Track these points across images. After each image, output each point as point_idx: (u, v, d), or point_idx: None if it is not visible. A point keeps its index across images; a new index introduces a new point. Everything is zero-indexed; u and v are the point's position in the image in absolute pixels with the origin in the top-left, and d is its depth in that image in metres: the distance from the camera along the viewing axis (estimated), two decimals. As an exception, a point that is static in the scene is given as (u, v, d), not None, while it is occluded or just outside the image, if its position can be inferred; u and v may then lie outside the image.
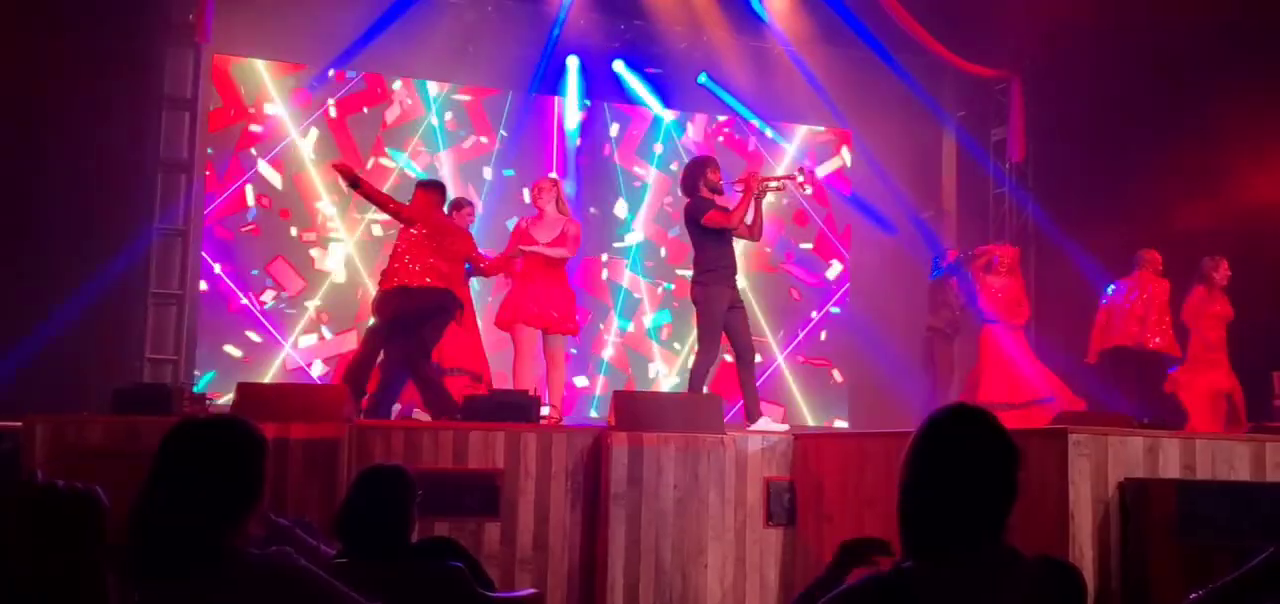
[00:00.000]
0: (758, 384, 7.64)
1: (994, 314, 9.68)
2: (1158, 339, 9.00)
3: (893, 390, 11.14)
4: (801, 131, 12.66)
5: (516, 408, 6.74)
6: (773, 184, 7.68)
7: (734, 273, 7.55)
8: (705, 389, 7.42)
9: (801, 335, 12.30)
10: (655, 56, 11.91)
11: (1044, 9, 10.62)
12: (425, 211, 7.80)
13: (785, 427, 7.61)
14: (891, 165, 12.23)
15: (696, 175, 7.64)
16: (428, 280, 7.56)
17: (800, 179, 7.65)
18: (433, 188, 8.07)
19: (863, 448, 6.12)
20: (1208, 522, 4.53)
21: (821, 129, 12.61)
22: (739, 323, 7.49)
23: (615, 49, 11.80)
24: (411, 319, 7.53)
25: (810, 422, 12.02)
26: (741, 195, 7.51)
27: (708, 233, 7.47)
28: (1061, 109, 11.22)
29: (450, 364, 8.32)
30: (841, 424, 11.94)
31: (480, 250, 8.67)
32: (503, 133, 11.55)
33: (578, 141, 11.73)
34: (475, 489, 6.19)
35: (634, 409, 6.47)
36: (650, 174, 12.10)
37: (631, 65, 11.90)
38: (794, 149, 12.60)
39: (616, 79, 11.86)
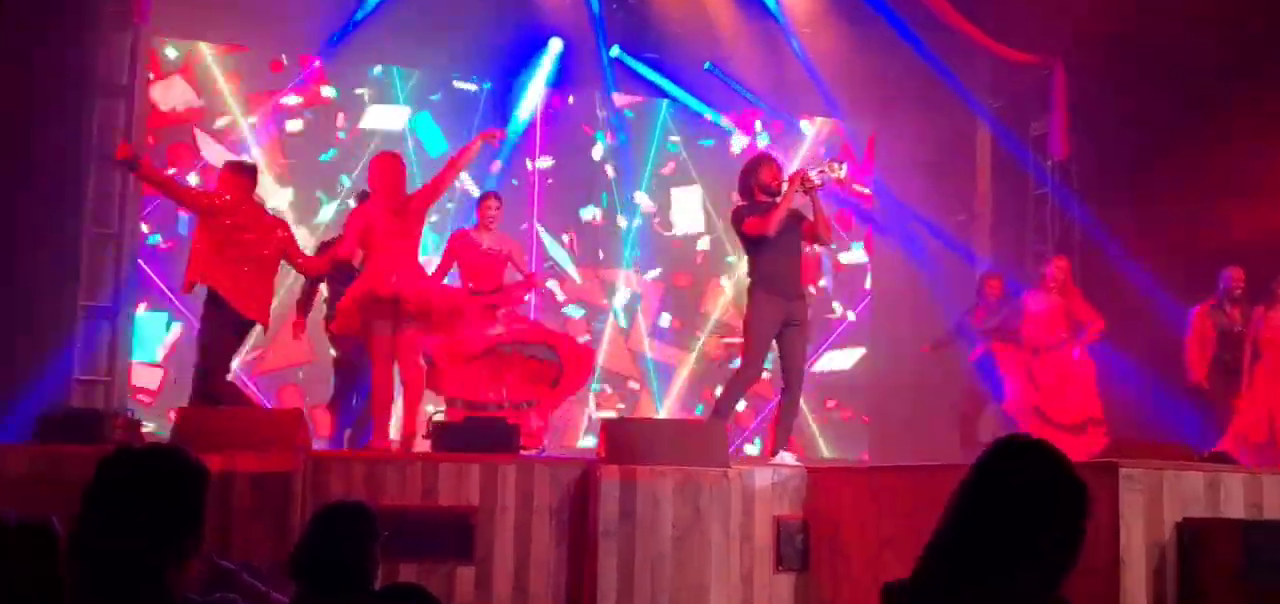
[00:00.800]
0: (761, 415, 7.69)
1: (1034, 343, 9.72)
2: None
3: (919, 421, 11.13)
4: (816, 125, 12.67)
5: (493, 436, 6.72)
6: (813, 179, 7.60)
7: (791, 284, 7.55)
8: (739, 408, 7.51)
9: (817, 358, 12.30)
10: (655, 42, 11.94)
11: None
12: (235, 200, 7.53)
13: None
14: (917, 163, 12.21)
15: (749, 176, 7.72)
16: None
17: (837, 169, 7.67)
18: (242, 171, 7.80)
19: (885, 483, 6.11)
20: (1277, 567, 4.52)
21: (822, 123, 12.64)
22: (791, 343, 7.50)
23: (610, 35, 11.83)
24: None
25: (826, 454, 12.02)
26: (779, 198, 7.56)
27: (752, 241, 7.55)
28: (1112, 99, 11.20)
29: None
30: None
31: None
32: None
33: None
34: (446, 529, 6.17)
35: (626, 438, 6.45)
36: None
37: (630, 52, 11.94)
38: (806, 146, 12.61)
39: (612, 66, 11.89)
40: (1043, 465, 2.54)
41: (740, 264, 11.67)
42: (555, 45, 11.65)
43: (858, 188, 12.62)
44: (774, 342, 7.50)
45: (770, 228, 7.41)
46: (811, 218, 7.57)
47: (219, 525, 5.61)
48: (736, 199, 7.81)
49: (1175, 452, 6.39)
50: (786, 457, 7.32)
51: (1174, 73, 10.27)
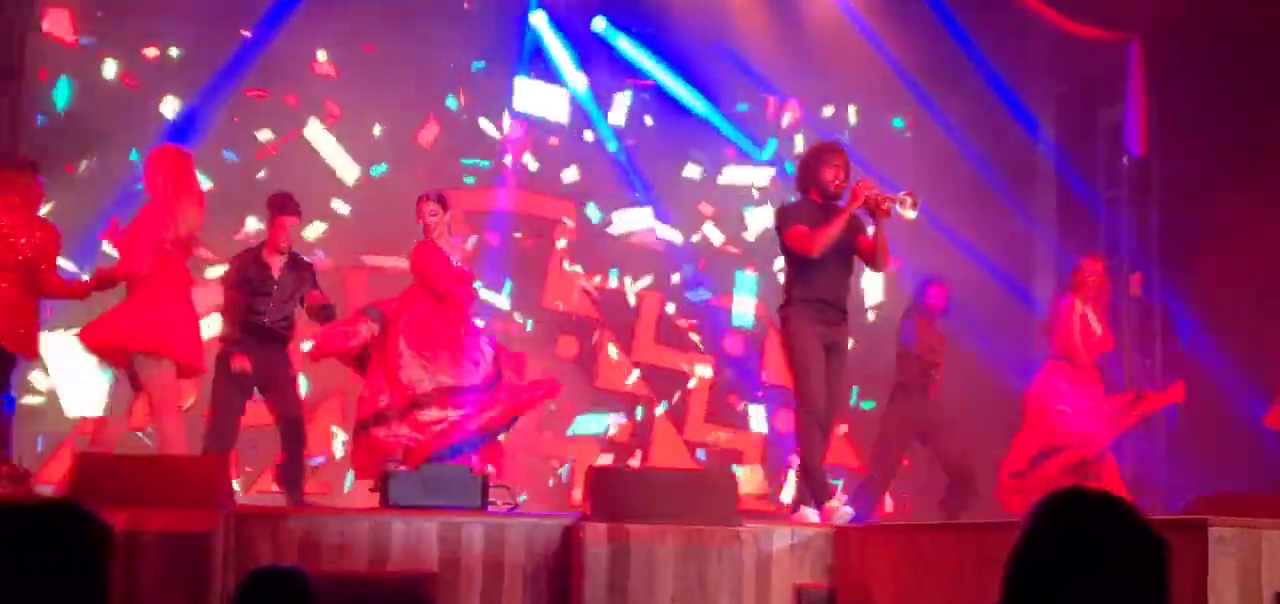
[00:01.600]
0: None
1: (1062, 353, 9.69)
2: None
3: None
4: (850, 114, 12.73)
5: (455, 486, 6.72)
6: (881, 205, 7.48)
7: (833, 306, 7.57)
8: (814, 451, 7.44)
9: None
10: (647, 15, 11.99)
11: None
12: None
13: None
14: (959, 160, 12.20)
15: (808, 173, 7.70)
16: None
17: (908, 202, 7.48)
18: (21, 168, 7.89)
19: (925, 544, 6.11)
20: (1398, 647, 4.53)
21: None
22: (830, 374, 7.53)
23: (594, 6, 11.89)
24: None
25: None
26: (840, 209, 7.53)
27: (794, 252, 7.56)
28: (1201, 82, 11.20)
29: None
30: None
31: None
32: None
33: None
34: (398, 600, 6.16)
35: (616, 491, 6.47)
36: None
37: (618, 25, 12.00)
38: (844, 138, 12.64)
39: (595, 44, 11.94)
40: (1117, 523, 2.54)
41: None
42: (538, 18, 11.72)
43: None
44: None
45: (814, 250, 7.41)
46: (870, 235, 7.56)
47: (125, 595, 5.60)
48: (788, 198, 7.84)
49: (1275, 506, 6.40)
50: (809, 513, 7.33)
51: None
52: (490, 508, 7.04)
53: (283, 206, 8.78)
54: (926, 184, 12.39)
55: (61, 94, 10.90)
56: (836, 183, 7.54)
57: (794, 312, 7.47)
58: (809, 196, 7.61)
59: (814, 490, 7.41)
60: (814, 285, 7.48)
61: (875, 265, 7.71)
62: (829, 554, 6.62)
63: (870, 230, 7.59)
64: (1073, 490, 2.63)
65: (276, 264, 8.69)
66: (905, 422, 10.02)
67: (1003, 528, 5.55)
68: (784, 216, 7.60)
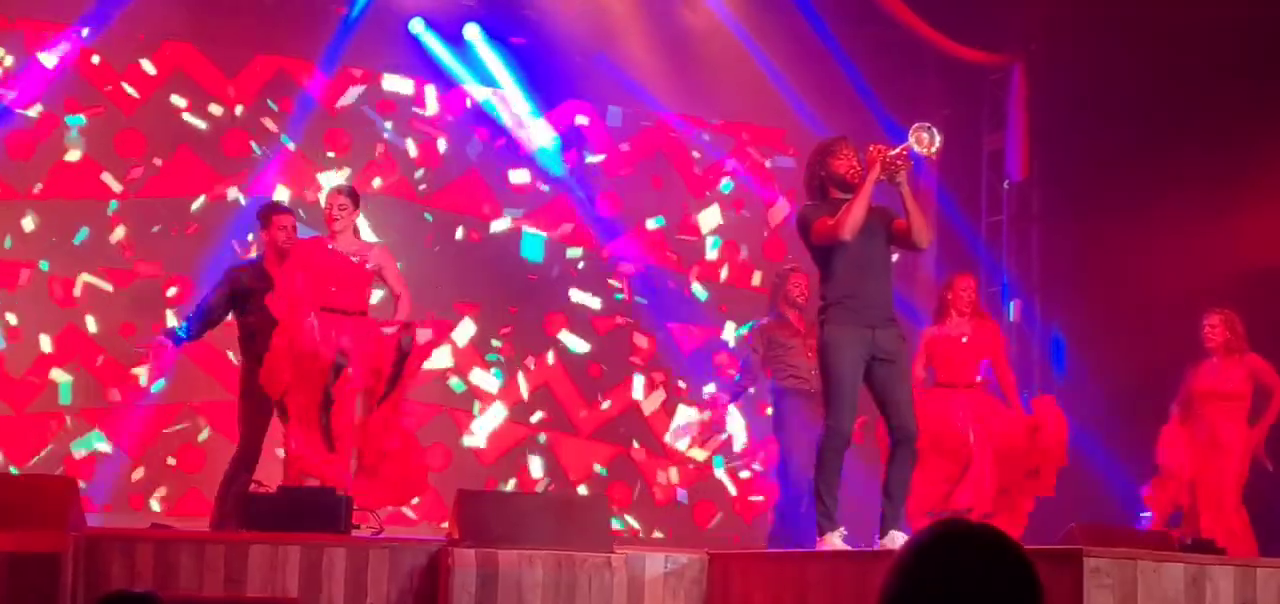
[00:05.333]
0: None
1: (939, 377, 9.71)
2: None
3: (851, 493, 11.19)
4: (732, 130, 12.79)
5: (318, 510, 6.65)
6: (897, 162, 6.80)
7: (876, 307, 6.89)
8: (830, 476, 6.78)
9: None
10: (523, 25, 11.97)
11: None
12: None
13: None
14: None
15: (818, 167, 7.08)
16: None
17: (923, 139, 6.78)
18: None
19: (803, 573, 6.14)
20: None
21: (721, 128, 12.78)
22: (886, 383, 6.86)
23: (466, 11, 11.84)
24: None
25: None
26: (856, 190, 6.80)
27: (824, 251, 6.91)
28: (1083, 105, 11.39)
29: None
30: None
31: None
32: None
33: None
34: (257, 626, 6.10)
35: (485, 514, 6.44)
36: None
37: (492, 35, 11.95)
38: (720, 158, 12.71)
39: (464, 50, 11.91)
40: (987, 555, 2.56)
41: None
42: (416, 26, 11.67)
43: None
44: (863, 384, 6.84)
45: (844, 229, 6.69)
46: (904, 214, 6.85)
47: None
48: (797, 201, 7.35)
49: (1150, 538, 6.53)
50: (899, 538, 6.54)
51: (1168, 72, 10.49)
52: (355, 532, 6.97)
53: (277, 210, 8.66)
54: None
55: None
56: (852, 173, 6.87)
57: (831, 317, 6.83)
58: (827, 196, 6.97)
59: (818, 515, 6.77)
60: (852, 285, 6.82)
61: (917, 241, 6.95)
62: (704, 581, 6.63)
63: (902, 209, 6.86)
64: (950, 521, 2.64)
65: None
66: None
67: (881, 557, 5.60)
68: (807, 217, 6.95)
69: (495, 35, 11.98)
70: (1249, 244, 9.89)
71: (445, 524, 7.45)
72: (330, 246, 8.14)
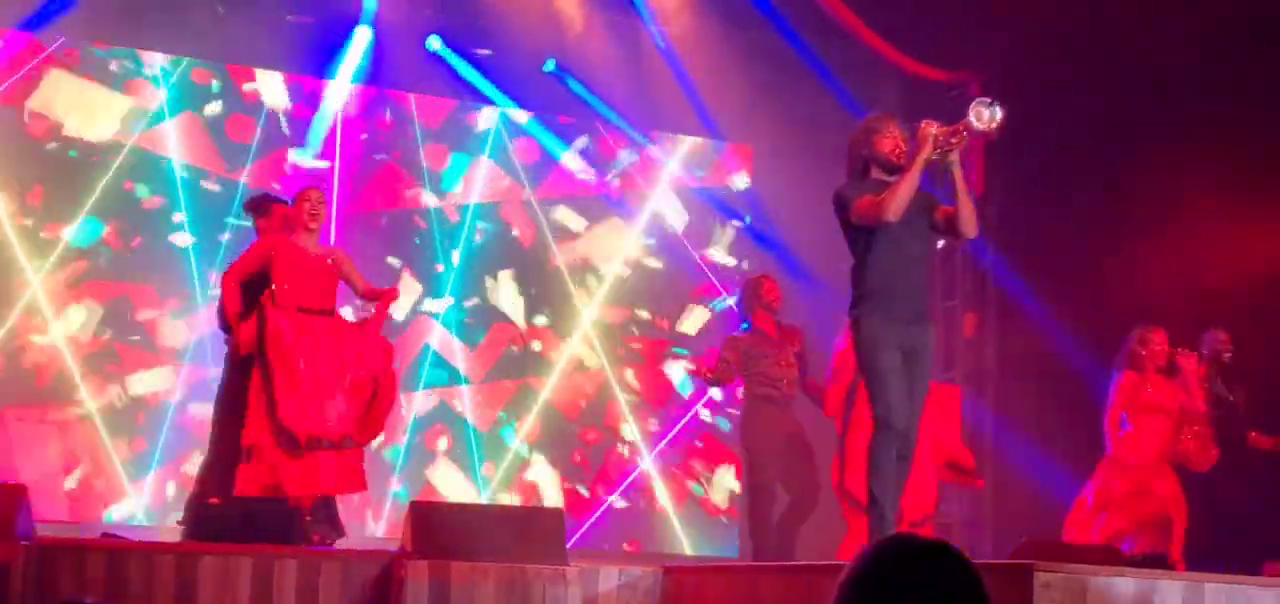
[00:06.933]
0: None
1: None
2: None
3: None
4: (685, 145, 12.79)
5: (271, 523, 6.64)
6: (951, 140, 6.43)
7: (912, 299, 6.54)
8: (885, 478, 6.41)
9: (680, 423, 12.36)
10: (487, 37, 11.97)
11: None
12: None
13: None
14: (806, 197, 12.34)
15: (861, 145, 6.63)
16: None
17: (983, 114, 6.33)
18: None
19: (756, 587, 6.16)
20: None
21: (702, 141, 12.79)
22: (907, 379, 6.48)
23: (430, 24, 11.84)
24: None
25: (688, 550, 12.07)
26: (905, 167, 6.42)
27: (862, 234, 6.50)
28: (1039, 128, 11.47)
29: None
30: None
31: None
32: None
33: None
34: (207, 638, 6.08)
35: (438, 526, 6.43)
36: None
37: (453, 46, 11.96)
38: (676, 164, 12.73)
39: (432, 63, 11.89)
40: (937, 570, 2.57)
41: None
42: (362, 36, 11.63)
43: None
44: None
45: (889, 209, 6.29)
46: (954, 202, 6.52)
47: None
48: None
49: (1099, 553, 6.58)
50: None
51: (1120, 94, 10.60)
52: (307, 543, 6.96)
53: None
54: (769, 218, 12.61)
55: None
56: (898, 152, 6.48)
57: (866, 309, 6.45)
58: (868, 176, 6.56)
59: (871, 521, 6.40)
60: (890, 274, 6.45)
61: (964, 229, 6.57)
62: (658, 594, 6.64)
63: (952, 195, 6.57)
64: (901, 536, 2.67)
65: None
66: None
67: (836, 570, 5.62)
68: (846, 195, 6.49)
69: (457, 47, 12.01)
70: (1196, 262, 10.02)
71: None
72: (301, 245, 8.18)
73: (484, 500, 11.24)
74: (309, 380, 7.76)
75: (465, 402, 11.80)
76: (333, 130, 11.65)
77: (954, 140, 6.32)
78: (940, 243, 6.85)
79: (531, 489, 11.75)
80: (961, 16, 11.50)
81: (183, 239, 11.03)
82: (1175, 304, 9.76)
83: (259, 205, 8.79)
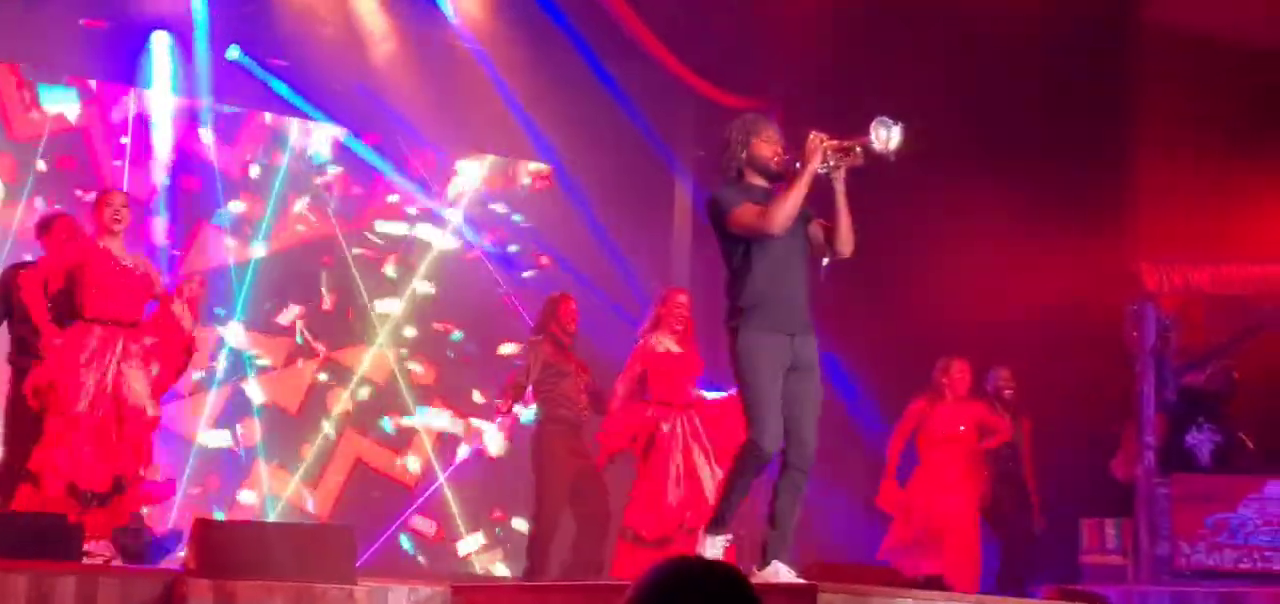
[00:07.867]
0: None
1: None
2: None
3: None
4: (487, 163, 12.83)
5: (46, 537, 6.49)
6: (841, 152, 6.19)
7: (795, 311, 6.27)
8: (739, 488, 6.28)
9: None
10: (285, 47, 11.86)
11: (814, 13, 11.12)
12: None
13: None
14: (605, 216, 12.44)
15: (736, 146, 6.32)
16: None
17: (882, 134, 6.09)
18: None
19: (552, 603, 6.19)
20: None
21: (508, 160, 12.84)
22: (795, 396, 6.21)
23: (227, 32, 11.70)
24: None
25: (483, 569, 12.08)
26: (792, 176, 6.17)
27: (740, 244, 6.22)
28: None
29: None
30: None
31: None
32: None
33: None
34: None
35: (222, 544, 6.34)
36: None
37: (251, 54, 11.84)
38: (476, 185, 12.75)
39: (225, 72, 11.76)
40: (717, 593, 2.60)
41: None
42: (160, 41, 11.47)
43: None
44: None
45: (774, 224, 6.07)
46: (833, 217, 6.25)
47: None
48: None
49: (881, 574, 6.72)
50: (784, 571, 6.05)
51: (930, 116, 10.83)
52: (84, 560, 6.81)
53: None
54: (561, 239, 12.65)
55: None
56: (778, 159, 6.25)
57: (745, 321, 6.16)
58: (742, 180, 6.29)
59: (714, 513, 6.34)
60: (770, 286, 6.16)
61: (841, 248, 6.31)
62: (447, 614, 6.63)
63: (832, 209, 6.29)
64: (681, 558, 2.69)
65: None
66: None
67: (618, 591, 5.66)
68: (722, 200, 6.21)
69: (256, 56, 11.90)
70: (986, 294, 10.29)
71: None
72: (103, 245, 7.90)
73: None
74: (85, 428, 7.54)
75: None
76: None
77: (845, 157, 6.14)
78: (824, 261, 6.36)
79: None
80: (757, 42, 11.67)
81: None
82: (968, 336, 9.99)
83: (42, 224, 8.53)
